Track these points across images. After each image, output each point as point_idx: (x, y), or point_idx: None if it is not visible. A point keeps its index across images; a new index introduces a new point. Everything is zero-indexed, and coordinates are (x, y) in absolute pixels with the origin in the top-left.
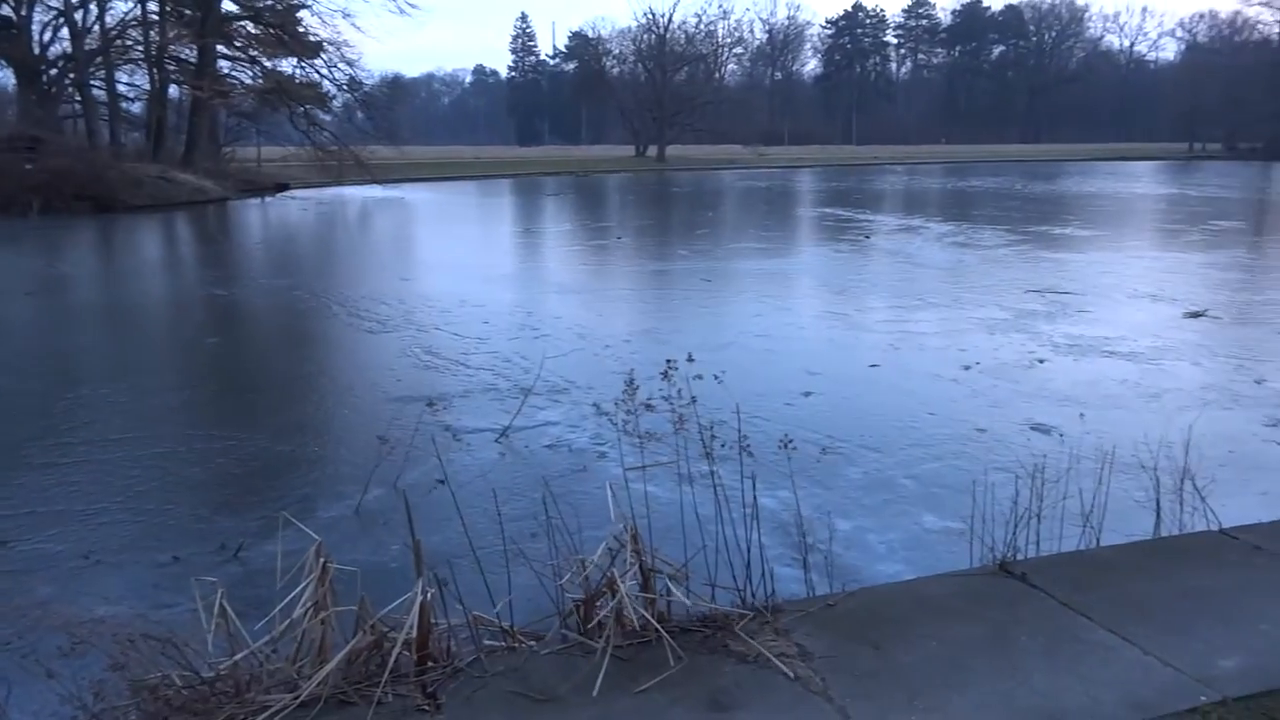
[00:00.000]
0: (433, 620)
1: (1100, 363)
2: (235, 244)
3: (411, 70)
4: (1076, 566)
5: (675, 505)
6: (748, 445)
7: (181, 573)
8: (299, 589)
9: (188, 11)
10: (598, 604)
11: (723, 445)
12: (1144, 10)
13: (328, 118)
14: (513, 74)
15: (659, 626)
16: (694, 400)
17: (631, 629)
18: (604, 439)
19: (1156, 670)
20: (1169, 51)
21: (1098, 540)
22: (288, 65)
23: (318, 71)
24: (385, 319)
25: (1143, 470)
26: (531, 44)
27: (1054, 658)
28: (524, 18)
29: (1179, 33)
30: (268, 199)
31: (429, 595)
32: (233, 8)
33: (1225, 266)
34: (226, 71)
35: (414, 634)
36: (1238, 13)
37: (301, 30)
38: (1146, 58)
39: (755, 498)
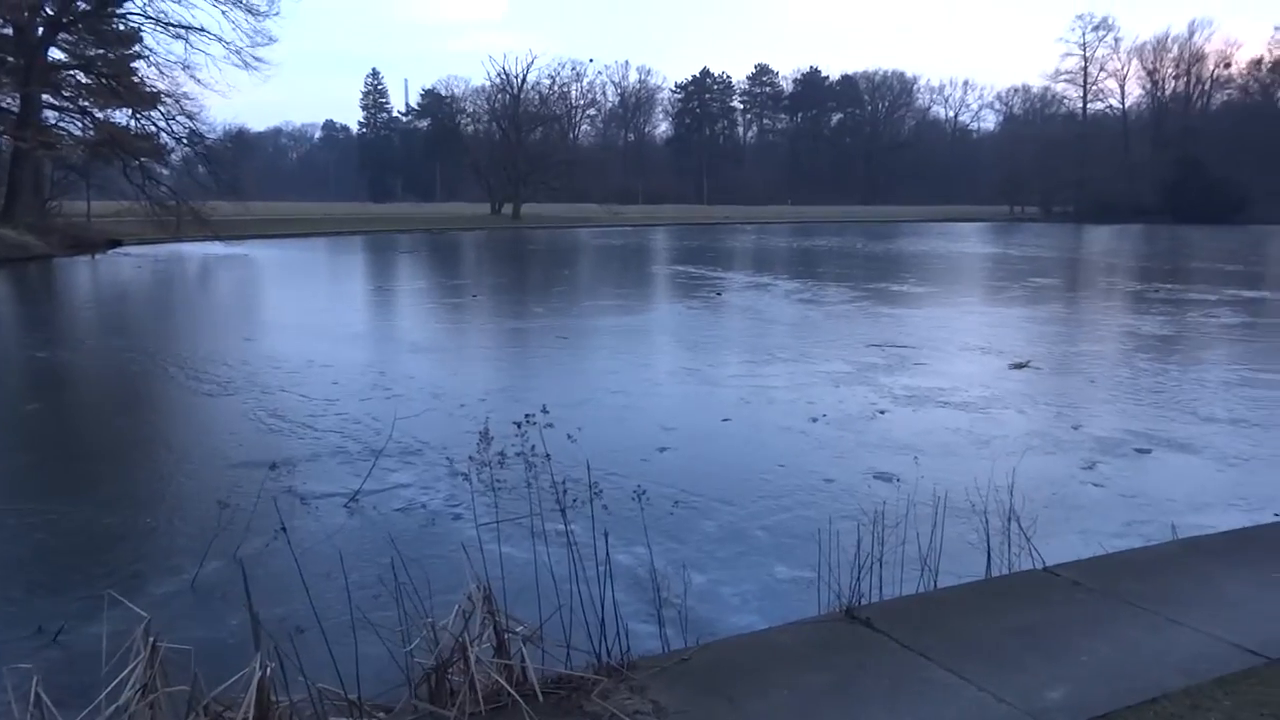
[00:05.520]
0: (273, 697)
1: (936, 412)
2: (60, 303)
3: (257, 124)
4: (916, 609)
5: (530, 564)
6: (601, 498)
7: None
8: (126, 672)
9: (10, 59)
10: (450, 671)
11: (575, 501)
12: (965, 83)
13: (165, 171)
14: (364, 130)
15: (513, 691)
16: (549, 457)
17: (486, 695)
18: (458, 500)
19: (991, 706)
20: (989, 122)
21: (935, 582)
22: (122, 116)
23: (154, 123)
24: (226, 381)
25: (974, 513)
26: (383, 100)
27: (897, 700)
28: (375, 74)
29: (997, 105)
30: (98, 256)
31: (268, 670)
32: (61, 56)
33: (1044, 320)
34: (53, 122)
35: (252, 712)
36: (1047, 88)
37: (137, 81)
38: (970, 127)
39: (609, 554)
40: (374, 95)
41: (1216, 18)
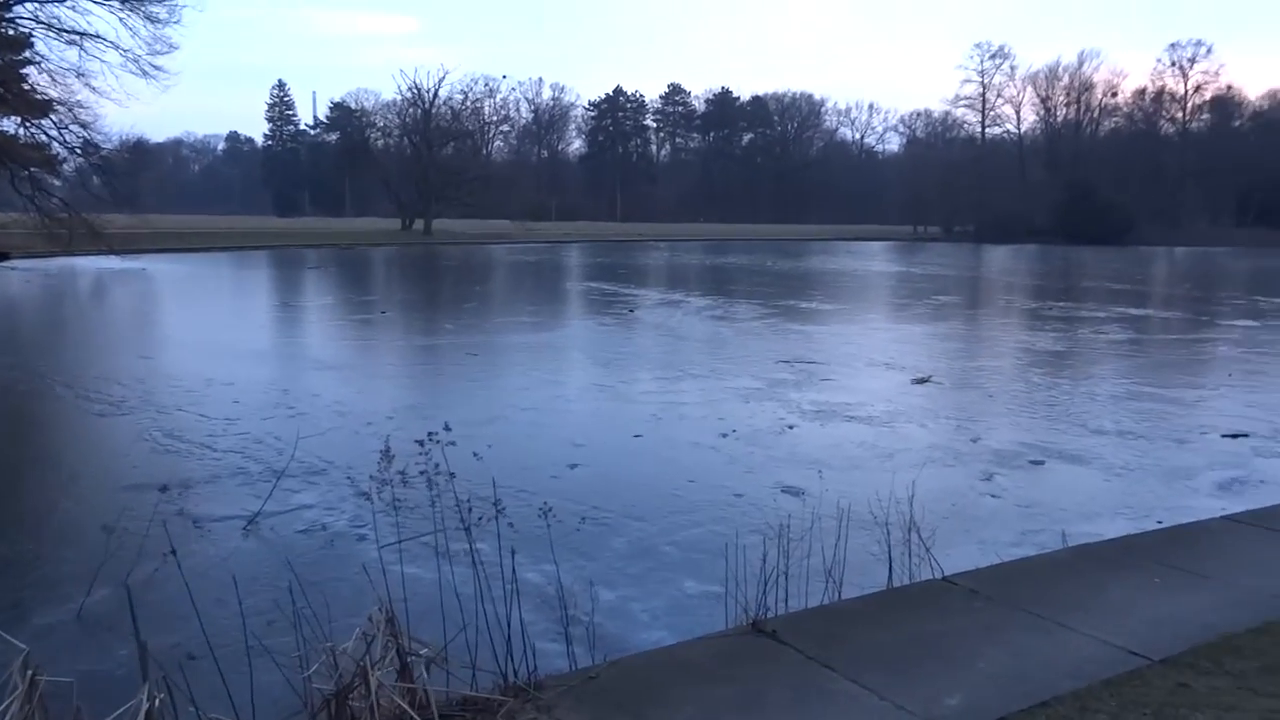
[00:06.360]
0: None
1: (842, 427)
2: None
3: (157, 134)
4: (821, 620)
5: (436, 585)
6: (506, 516)
7: None
8: (1, 708)
9: None
10: (350, 696)
11: (480, 519)
12: (871, 107)
13: (57, 182)
14: (270, 142)
15: (415, 716)
16: (453, 475)
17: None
18: (363, 520)
19: (891, 714)
20: (894, 144)
21: (839, 593)
22: (10, 124)
23: (45, 132)
24: (120, 400)
25: (877, 525)
26: (290, 113)
27: (801, 711)
28: (281, 85)
29: (901, 128)
30: None
31: (156, 701)
32: None
33: (945, 337)
34: None
35: None
36: (948, 113)
37: (27, 88)
38: (875, 149)
39: (515, 572)
40: (280, 107)
41: (1104, 49)
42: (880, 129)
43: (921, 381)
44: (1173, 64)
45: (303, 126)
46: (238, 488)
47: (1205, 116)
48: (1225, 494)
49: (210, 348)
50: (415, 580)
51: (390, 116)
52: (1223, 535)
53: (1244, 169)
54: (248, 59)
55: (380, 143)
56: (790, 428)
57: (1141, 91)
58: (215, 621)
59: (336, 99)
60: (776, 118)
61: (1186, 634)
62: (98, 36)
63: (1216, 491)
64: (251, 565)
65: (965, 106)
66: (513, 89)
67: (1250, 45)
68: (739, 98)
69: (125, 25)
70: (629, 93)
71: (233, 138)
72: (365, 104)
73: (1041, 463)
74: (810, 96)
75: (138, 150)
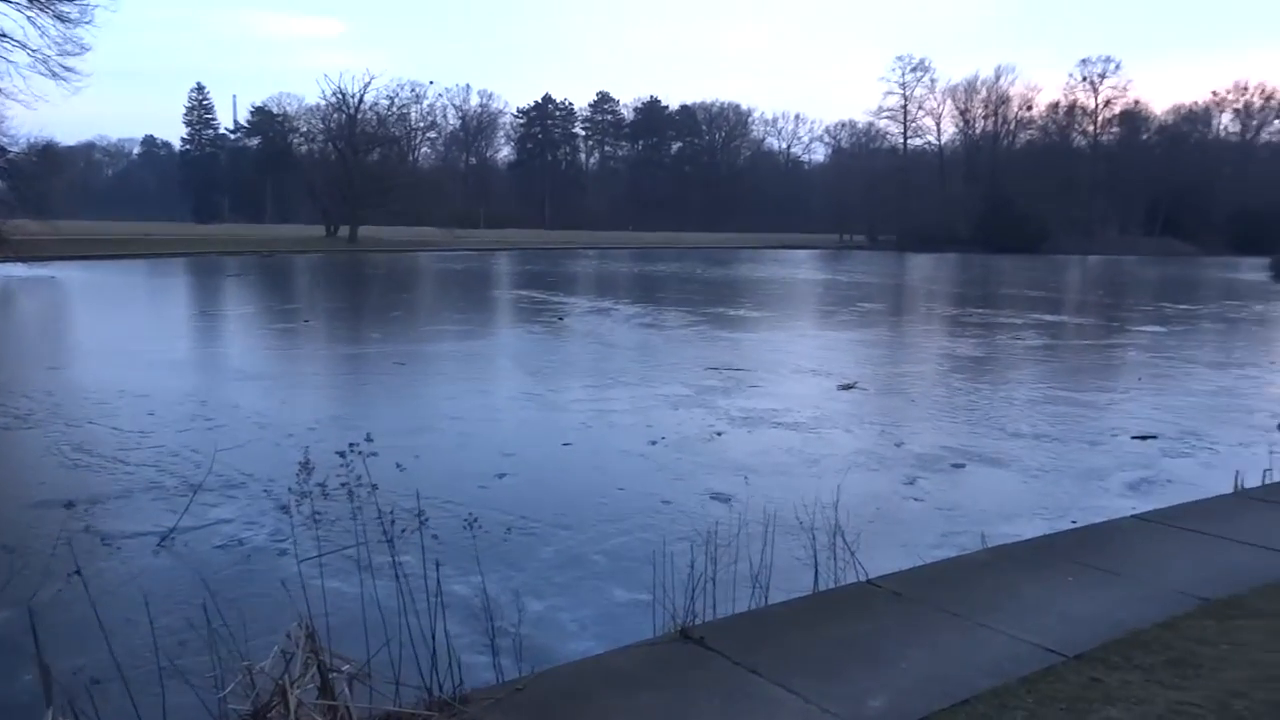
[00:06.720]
0: None
1: (770, 433)
2: None
3: (68, 137)
4: (748, 625)
5: (359, 599)
6: (430, 527)
7: None
8: None
9: None
10: (268, 716)
11: (404, 531)
12: (797, 117)
13: None
14: (188, 147)
15: None
16: (375, 487)
17: None
18: (283, 534)
19: (817, 717)
20: (819, 154)
21: (766, 598)
22: None
23: None
24: (26, 413)
25: (803, 530)
26: (209, 116)
27: (729, 716)
28: (200, 89)
29: (826, 138)
30: None
31: None
32: None
33: (870, 343)
34: None
35: None
36: (871, 124)
37: None
38: (801, 158)
39: (440, 584)
40: (199, 110)
41: (1019, 64)
42: (806, 139)
43: (847, 387)
44: (1084, 79)
45: (223, 130)
46: (151, 503)
47: (1115, 130)
48: (1135, 494)
49: (124, 358)
50: (337, 595)
51: (314, 121)
52: (1133, 534)
53: (1151, 180)
54: (165, 61)
55: (304, 148)
56: (718, 434)
57: (1055, 105)
58: (125, 642)
59: (258, 103)
60: (705, 127)
61: (1099, 631)
62: (4, 35)
63: (1127, 491)
64: (164, 583)
65: (888, 118)
66: (440, 95)
67: (1156, 62)
68: (667, 107)
69: (34, 24)
70: (558, 100)
71: (149, 141)
72: (288, 108)
73: (962, 466)
74: (738, 106)
75: (47, 153)
